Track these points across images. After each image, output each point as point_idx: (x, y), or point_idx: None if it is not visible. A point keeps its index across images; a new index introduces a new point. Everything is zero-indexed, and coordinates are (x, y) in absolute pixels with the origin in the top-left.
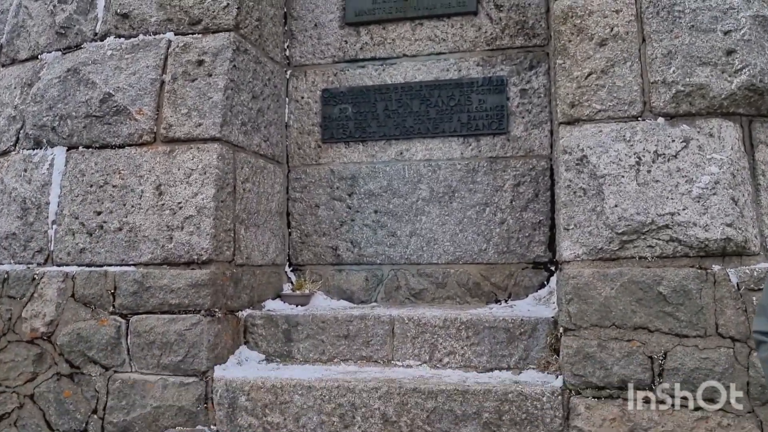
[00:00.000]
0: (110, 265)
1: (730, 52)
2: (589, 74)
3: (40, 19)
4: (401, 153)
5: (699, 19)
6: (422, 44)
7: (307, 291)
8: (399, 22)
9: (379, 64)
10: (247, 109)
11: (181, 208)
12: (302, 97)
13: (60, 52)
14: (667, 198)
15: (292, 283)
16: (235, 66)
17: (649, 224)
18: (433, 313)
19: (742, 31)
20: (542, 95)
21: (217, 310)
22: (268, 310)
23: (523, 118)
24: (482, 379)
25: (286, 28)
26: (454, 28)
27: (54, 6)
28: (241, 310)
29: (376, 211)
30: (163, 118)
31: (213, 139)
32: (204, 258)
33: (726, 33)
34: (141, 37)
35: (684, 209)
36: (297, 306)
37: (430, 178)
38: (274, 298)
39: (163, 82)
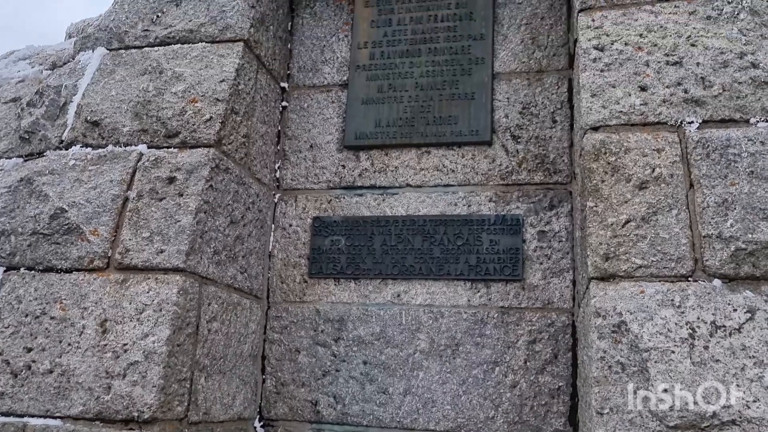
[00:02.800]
0: (33, 415)
1: None
2: (627, 222)
3: (5, 122)
4: (398, 295)
5: (759, 165)
6: (428, 174)
7: None
8: (404, 148)
9: (380, 194)
10: (223, 235)
11: (126, 351)
12: (290, 225)
13: (21, 159)
14: (731, 384)
15: None
16: (211, 186)
17: (710, 417)
18: None
19: None
20: (564, 239)
21: None
22: None
23: (541, 264)
24: None
25: (278, 147)
26: (465, 158)
27: (22, 109)
28: None
29: (365, 362)
30: (120, 241)
31: (175, 270)
32: (146, 416)
33: None
34: (110, 147)
35: (755, 401)
36: None
37: (430, 327)
38: None
39: (126, 200)
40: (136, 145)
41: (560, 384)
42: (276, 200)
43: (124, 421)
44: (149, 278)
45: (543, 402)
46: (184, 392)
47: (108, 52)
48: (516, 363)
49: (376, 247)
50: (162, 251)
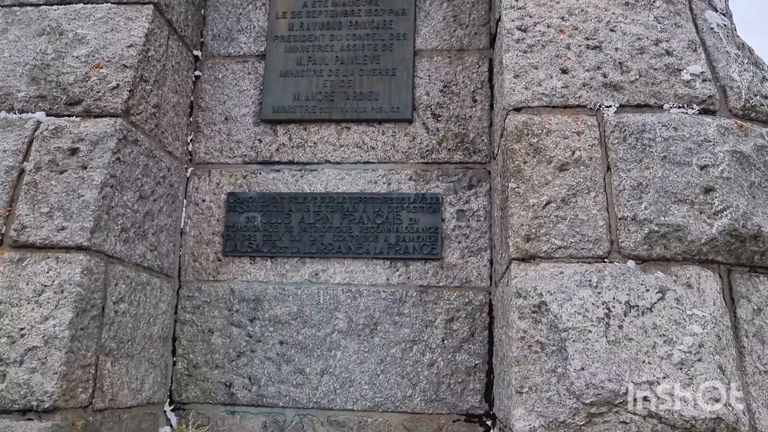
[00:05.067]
0: None
1: (708, 191)
2: (548, 203)
3: None
4: (316, 274)
5: (672, 150)
6: (348, 151)
7: None
8: (323, 123)
9: (297, 170)
10: (132, 211)
11: (23, 336)
12: (203, 201)
13: None
14: (644, 362)
15: (171, 426)
16: (119, 159)
17: (622, 394)
18: None
19: (721, 167)
20: (482, 219)
21: None
22: None
23: (459, 243)
24: None
25: (191, 119)
26: (386, 135)
27: None
28: None
29: (281, 342)
30: (16, 216)
31: (79, 248)
32: (47, 405)
33: (703, 168)
34: (2, 114)
35: (665, 377)
36: None
37: (349, 306)
38: None
39: (22, 172)
40: (33, 113)
41: (477, 362)
42: (188, 175)
43: (21, 411)
44: (49, 257)
45: (460, 380)
46: (89, 378)
47: (0, 8)
48: (434, 341)
49: (294, 225)
50: (63, 228)
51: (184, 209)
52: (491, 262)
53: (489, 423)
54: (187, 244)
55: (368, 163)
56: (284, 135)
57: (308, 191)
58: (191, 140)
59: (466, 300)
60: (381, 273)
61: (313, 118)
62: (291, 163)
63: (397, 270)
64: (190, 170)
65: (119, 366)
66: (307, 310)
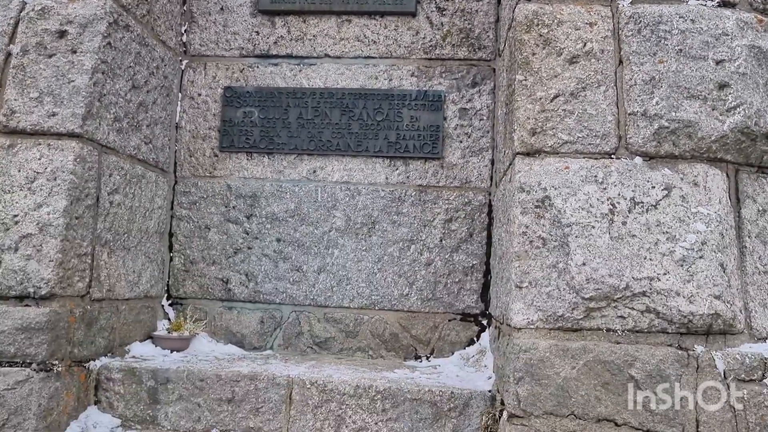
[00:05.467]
0: None
1: (722, 86)
2: (556, 96)
3: None
4: (314, 171)
5: (688, 43)
6: (348, 45)
7: (186, 333)
8: (323, 15)
9: (296, 64)
10: (124, 101)
11: (17, 222)
12: (199, 94)
13: None
14: (645, 258)
15: (169, 320)
16: (110, 44)
17: (623, 289)
18: (341, 376)
19: (737, 62)
20: (485, 118)
21: (56, 362)
22: (133, 356)
23: (461, 142)
24: None
25: (185, 8)
26: (388, 29)
27: None
28: (95, 359)
29: (279, 240)
30: (4, 101)
31: (71, 135)
32: (43, 292)
33: (718, 63)
34: None
35: (665, 274)
36: (172, 351)
37: (347, 205)
38: (144, 340)
39: (9, 55)
40: None
41: (474, 262)
42: (183, 67)
43: (18, 298)
44: (40, 144)
45: (457, 279)
46: (85, 268)
47: None
48: (432, 241)
49: (292, 121)
50: (54, 114)
51: (179, 103)
52: (492, 162)
53: (484, 322)
54: (183, 138)
55: (369, 57)
56: (282, 27)
57: (307, 86)
58: (185, 31)
59: (466, 200)
60: (380, 171)
61: (312, 9)
62: (289, 56)
63: (397, 169)
64: (184, 62)
65: (116, 257)
66: (304, 208)
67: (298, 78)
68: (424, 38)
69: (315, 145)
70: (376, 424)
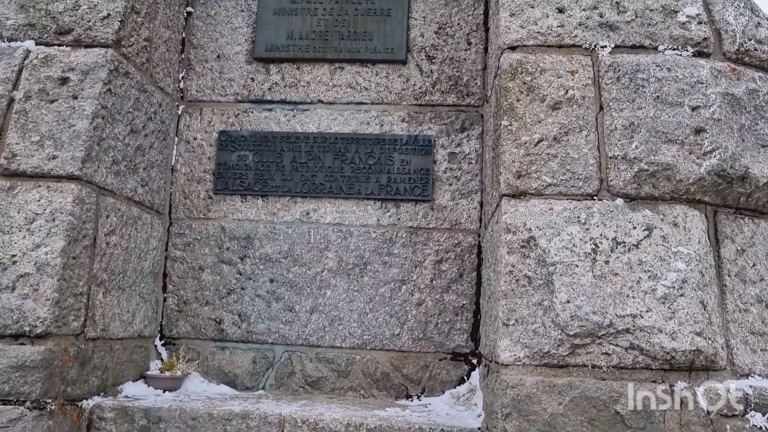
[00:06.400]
0: None
1: (699, 131)
2: (540, 141)
3: None
4: (308, 213)
5: (665, 90)
6: (341, 91)
7: (179, 372)
8: (316, 63)
9: (290, 109)
10: (123, 144)
11: (15, 263)
12: (195, 138)
13: None
14: (628, 296)
15: (162, 360)
16: (110, 90)
17: (606, 326)
18: (333, 414)
19: (712, 109)
20: (473, 161)
21: (50, 400)
22: (126, 396)
23: (450, 185)
24: None
25: (183, 56)
26: (379, 76)
27: None
28: (87, 398)
29: (272, 281)
30: (6, 144)
31: (70, 178)
32: (39, 330)
33: (694, 109)
34: None
35: (647, 311)
36: (164, 391)
37: (339, 246)
38: (136, 380)
39: (12, 100)
40: (22, 41)
41: (464, 302)
42: (180, 112)
43: (14, 336)
44: (40, 186)
45: (447, 319)
46: (81, 307)
47: None
48: (422, 282)
49: (286, 164)
50: (54, 157)
51: (175, 147)
52: (481, 204)
53: (474, 361)
54: (178, 181)
55: (361, 103)
56: (277, 74)
57: (300, 131)
58: (183, 77)
59: (456, 241)
60: (372, 213)
61: (306, 57)
62: (283, 102)
63: (388, 211)
64: (181, 108)
65: (111, 297)
66: (297, 249)
67: (292, 123)
68: (414, 85)
69: (308, 187)
70: None
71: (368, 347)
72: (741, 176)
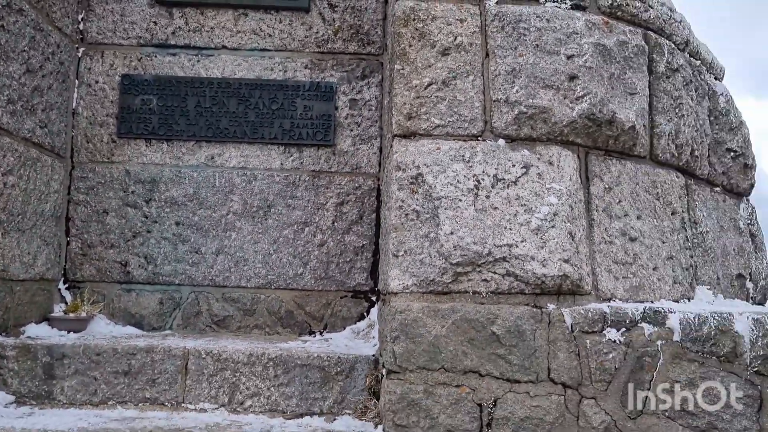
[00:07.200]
0: None
1: (572, 78)
2: (429, 84)
3: None
4: (212, 158)
5: (544, 40)
6: (245, 37)
7: (83, 314)
8: (220, 8)
9: (194, 54)
10: (18, 84)
11: None
12: (96, 81)
13: None
14: (506, 228)
15: (66, 302)
16: (2, 26)
17: (485, 255)
18: (236, 346)
19: (585, 57)
20: (373, 108)
21: None
22: (29, 336)
23: (351, 131)
24: (290, 428)
25: None
26: (283, 23)
27: None
28: None
29: (178, 223)
30: None
31: None
32: None
33: (569, 57)
34: None
35: (522, 241)
36: (69, 332)
37: (244, 189)
38: (39, 322)
39: None
40: None
41: (364, 242)
42: (80, 54)
43: None
44: None
45: (348, 259)
46: None
47: None
48: (324, 223)
49: (190, 109)
50: None
51: (75, 90)
52: (381, 149)
53: (374, 298)
54: (80, 125)
55: (265, 50)
56: (180, 18)
57: (205, 76)
58: (83, 19)
59: (356, 185)
60: (275, 158)
61: (210, 2)
62: (188, 47)
63: (291, 155)
64: (81, 50)
65: (10, 238)
66: (203, 192)
67: (196, 68)
68: (317, 33)
69: (213, 132)
70: (268, 389)
71: (273, 287)
72: (609, 120)
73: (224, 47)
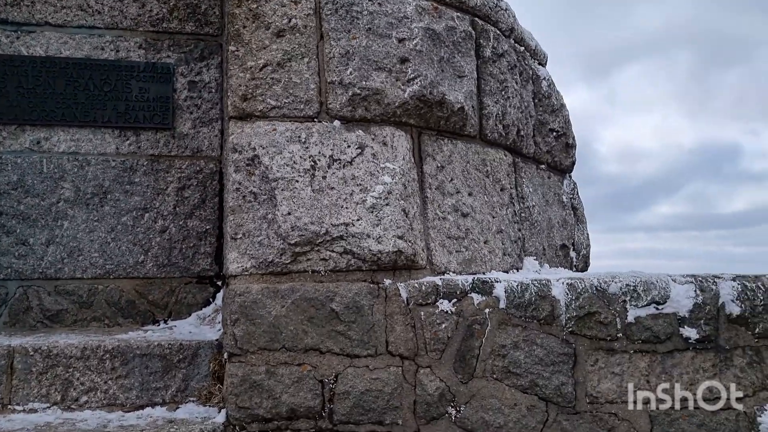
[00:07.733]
0: None
1: (404, 60)
2: (265, 66)
3: None
4: (39, 142)
5: (376, 23)
6: (71, 13)
7: None
8: None
9: (13, 30)
10: None
11: None
12: None
13: None
14: (342, 207)
15: None
16: None
17: (323, 234)
18: (69, 340)
19: (415, 41)
20: (213, 90)
21: None
22: None
23: (191, 113)
24: (129, 421)
25: None
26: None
27: None
28: None
29: (2, 213)
30: None
31: None
32: None
33: (401, 41)
34: None
35: (358, 219)
36: None
37: (76, 176)
38: None
39: None
40: None
41: (208, 227)
42: None
43: None
44: None
45: (192, 244)
46: None
47: None
48: (166, 209)
49: (10, 90)
50: None
51: None
52: (222, 132)
53: (219, 283)
54: None
55: (94, 27)
56: None
57: (26, 54)
58: None
59: (198, 168)
60: (110, 142)
61: None
62: (5, 22)
63: (128, 139)
64: None
65: None
66: (29, 180)
67: (15, 45)
68: (151, 11)
69: (38, 114)
70: (105, 383)
71: (112, 276)
72: (439, 102)
73: (47, 23)
